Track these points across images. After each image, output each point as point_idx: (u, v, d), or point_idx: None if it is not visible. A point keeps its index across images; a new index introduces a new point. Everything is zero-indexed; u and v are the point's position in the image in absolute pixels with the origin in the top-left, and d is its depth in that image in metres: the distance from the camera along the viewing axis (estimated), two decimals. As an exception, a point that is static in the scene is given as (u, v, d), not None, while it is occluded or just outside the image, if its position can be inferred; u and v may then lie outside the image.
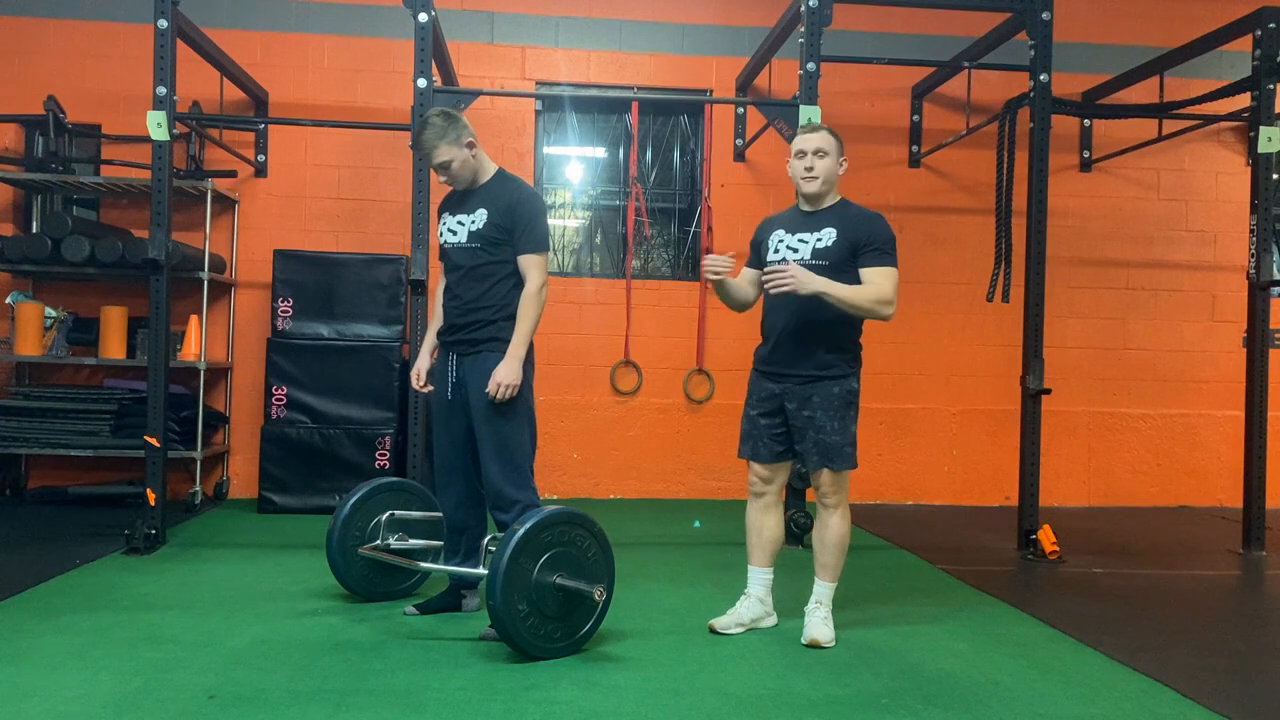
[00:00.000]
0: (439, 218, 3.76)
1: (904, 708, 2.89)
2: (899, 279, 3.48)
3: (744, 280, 3.71)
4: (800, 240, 3.51)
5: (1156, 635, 3.75)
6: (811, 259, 3.45)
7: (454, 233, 3.64)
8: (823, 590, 3.57)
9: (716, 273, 3.45)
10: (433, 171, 3.72)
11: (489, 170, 3.69)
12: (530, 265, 3.58)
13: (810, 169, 3.50)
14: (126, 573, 4.34)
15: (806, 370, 3.48)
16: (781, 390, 3.52)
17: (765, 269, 3.45)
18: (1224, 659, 3.49)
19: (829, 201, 3.57)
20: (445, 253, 3.71)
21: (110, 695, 2.83)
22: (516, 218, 3.57)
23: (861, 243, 3.44)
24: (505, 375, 3.48)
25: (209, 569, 4.47)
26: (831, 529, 3.55)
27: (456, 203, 3.71)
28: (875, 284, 3.41)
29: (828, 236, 3.47)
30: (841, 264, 3.44)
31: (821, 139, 3.51)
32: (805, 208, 3.58)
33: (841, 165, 3.56)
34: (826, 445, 3.46)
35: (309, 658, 3.21)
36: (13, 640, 3.32)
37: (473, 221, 3.60)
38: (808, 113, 5.01)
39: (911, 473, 7.00)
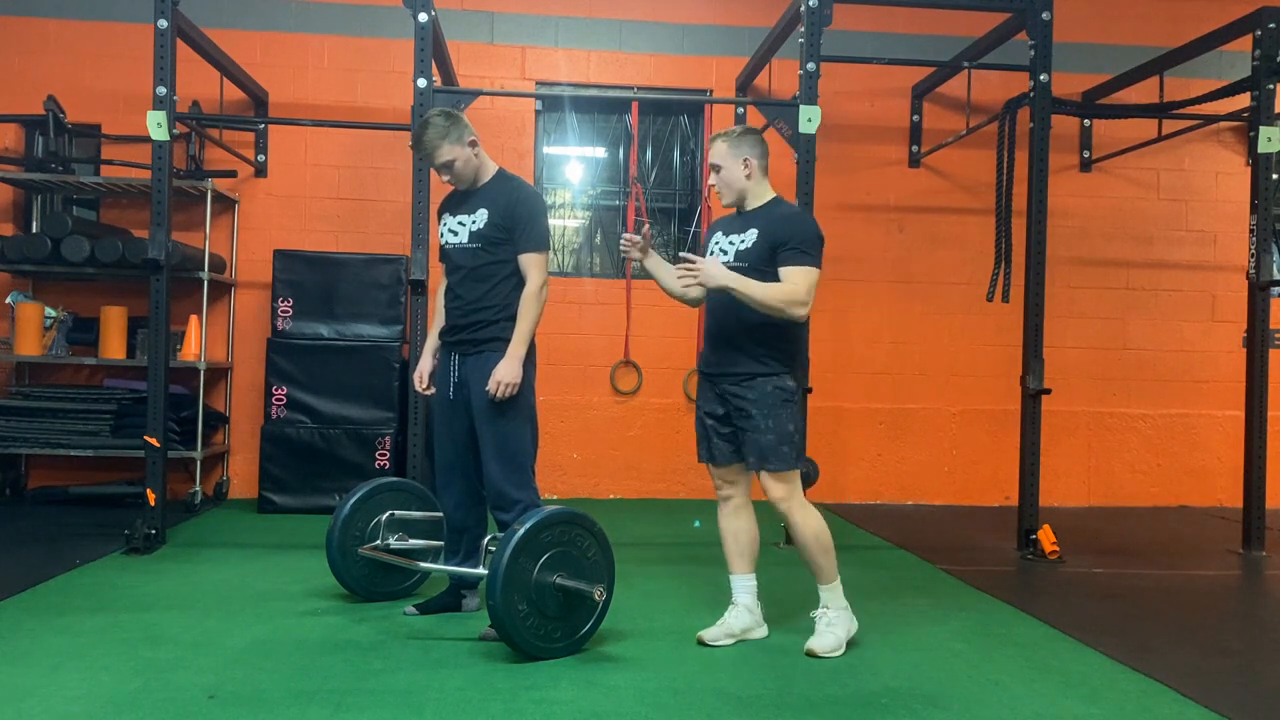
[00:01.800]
0: (439, 218, 3.76)
1: (904, 708, 2.89)
2: (817, 278, 3.38)
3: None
4: (730, 242, 3.50)
5: (1156, 635, 3.75)
6: (735, 260, 3.45)
7: (455, 233, 3.64)
8: (824, 594, 3.50)
9: (628, 253, 3.50)
10: (433, 171, 3.71)
11: (490, 170, 3.70)
12: (530, 264, 3.58)
13: (713, 185, 3.54)
14: (126, 573, 4.34)
15: (739, 369, 3.45)
16: (720, 392, 3.50)
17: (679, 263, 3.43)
18: (1224, 659, 3.49)
19: (758, 202, 3.53)
20: (446, 253, 3.70)
21: (110, 695, 2.83)
22: (517, 217, 3.57)
23: (779, 241, 3.40)
24: (505, 374, 3.48)
25: (209, 569, 4.47)
26: (797, 531, 3.45)
27: (457, 203, 3.71)
28: (788, 283, 3.36)
29: (750, 237, 3.45)
30: (760, 264, 3.41)
31: (714, 154, 3.49)
32: (740, 210, 3.58)
33: (746, 166, 3.47)
34: (761, 445, 3.38)
35: (309, 658, 3.21)
36: (13, 640, 3.32)
37: (474, 222, 3.60)
38: (808, 112, 5.01)
39: (911, 473, 6.99)
